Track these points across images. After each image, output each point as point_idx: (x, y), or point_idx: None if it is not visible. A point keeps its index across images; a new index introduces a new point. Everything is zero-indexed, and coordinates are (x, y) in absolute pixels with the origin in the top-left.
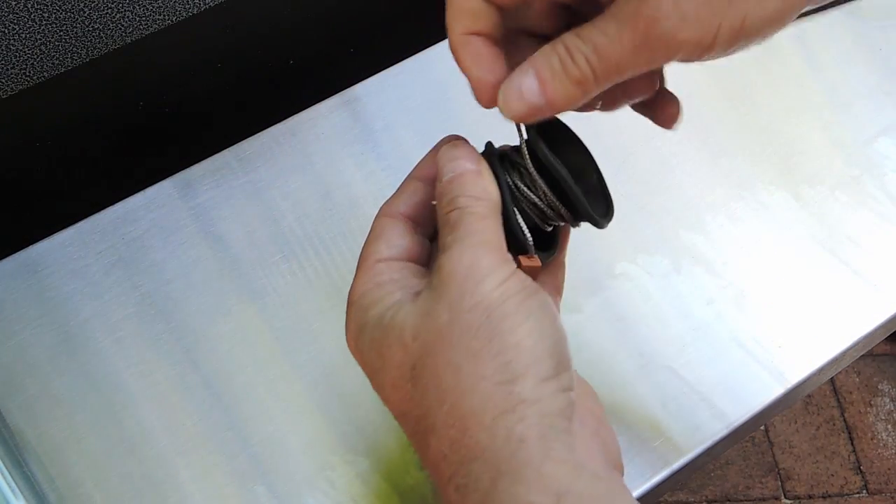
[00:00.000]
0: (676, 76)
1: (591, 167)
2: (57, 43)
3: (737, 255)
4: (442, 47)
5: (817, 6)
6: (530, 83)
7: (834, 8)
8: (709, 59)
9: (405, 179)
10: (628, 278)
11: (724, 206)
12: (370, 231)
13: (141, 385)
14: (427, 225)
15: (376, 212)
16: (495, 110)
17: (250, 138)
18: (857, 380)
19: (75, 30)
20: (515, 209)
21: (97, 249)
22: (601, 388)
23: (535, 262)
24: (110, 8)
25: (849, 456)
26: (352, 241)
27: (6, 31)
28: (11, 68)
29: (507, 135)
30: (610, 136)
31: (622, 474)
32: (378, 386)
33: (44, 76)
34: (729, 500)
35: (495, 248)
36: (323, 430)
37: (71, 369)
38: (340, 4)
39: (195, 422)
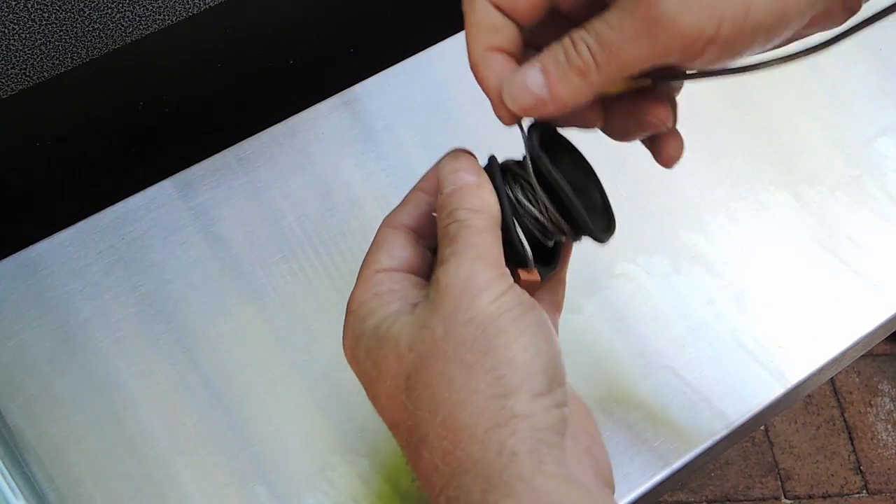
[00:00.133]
0: None
1: (593, 183)
2: (57, 43)
3: (737, 255)
4: (442, 47)
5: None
6: (535, 75)
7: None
8: (710, 59)
9: (410, 191)
10: (628, 278)
11: (724, 206)
12: (373, 240)
13: (141, 385)
14: (430, 237)
15: (376, 212)
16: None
17: (250, 138)
18: (857, 380)
19: (75, 30)
20: (516, 222)
21: (97, 249)
22: (601, 388)
23: (535, 276)
24: (110, 8)
25: (849, 456)
26: (352, 241)
27: (6, 31)
28: (11, 68)
29: (508, 137)
30: None
31: (613, 492)
32: (373, 395)
33: (44, 76)
34: (729, 500)
35: (493, 263)
36: (323, 430)
37: (71, 369)
38: (340, 4)
39: (195, 422)
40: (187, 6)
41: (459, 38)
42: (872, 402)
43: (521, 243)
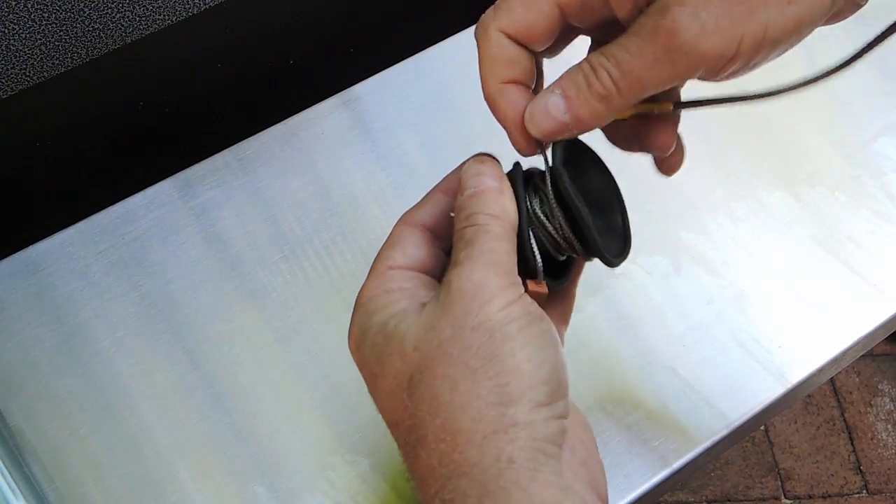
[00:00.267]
0: None
1: (616, 204)
2: (57, 43)
3: (737, 255)
4: (442, 47)
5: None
6: (556, 101)
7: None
8: (730, 74)
9: (430, 190)
10: (628, 278)
11: (724, 206)
12: (388, 236)
13: (141, 385)
14: (445, 238)
15: (376, 212)
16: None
17: (250, 138)
18: (857, 380)
19: (75, 30)
20: (531, 234)
21: (97, 249)
22: (601, 388)
23: (543, 288)
24: (110, 8)
25: (849, 456)
26: (352, 241)
27: (6, 31)
28: (11, 68)
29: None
30: None
31: None
32: (374, 391)
33: (44, 76)
34: (729, 500)
35: (505, 271)
36: (323, 430)
37: (71, 369)
38: (340, 4)
39: (195, 422)
40: (187, 6)
41: (459, 38)
42: (872, 402)
43: (534, 255)
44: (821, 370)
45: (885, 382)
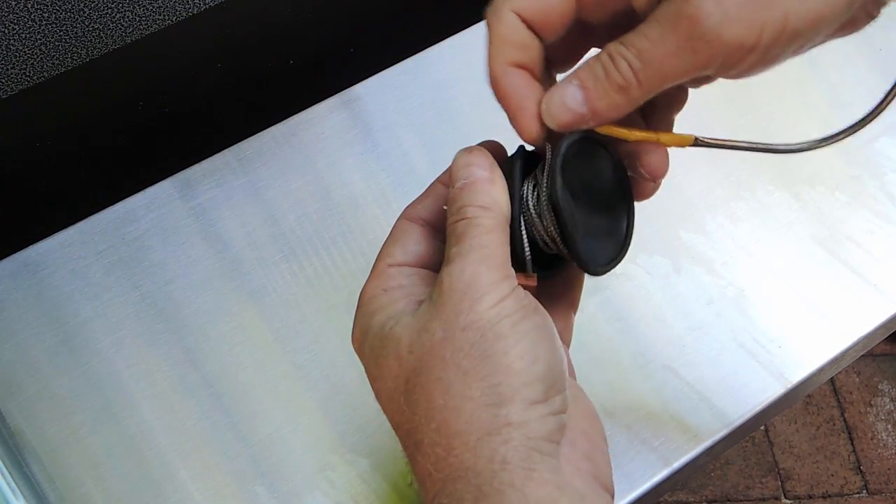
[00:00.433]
0: None
1: (622, 204)
2: (57, 43)
3: (737, 255)
4: (442, 47)
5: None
6: (573, 91)
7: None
8: (747, 67)
9: (431, 183)
10: (628, 278)
11: (724, 206)
12: (390, 232)
13: (141, 385)
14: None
15: (376, 212)
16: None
17: (250, 138)
18: (857, 380)
19: (75, 30)
20: (523, 225)
21: (97, 249)
22: (601, 388)
23: (531, 281)
24: (110, 8)
25: (849, 456)
26: (352, 241)
27: (6, 31)
28: (11, 68)
29: (508, 138)
30: None
31: (612, 496)
32: (376, 393)
33: (44, 76)
34: (729, 500)
35: (497, 264)
36: (323, 430)
37: (71, 369)
38: (340, 4)
39: (195, 422)
40: (187, 6)
41: (459, 37)
42: (872, 402)
43: (523, 249)
44: (821, 370)
45: (885, 382)
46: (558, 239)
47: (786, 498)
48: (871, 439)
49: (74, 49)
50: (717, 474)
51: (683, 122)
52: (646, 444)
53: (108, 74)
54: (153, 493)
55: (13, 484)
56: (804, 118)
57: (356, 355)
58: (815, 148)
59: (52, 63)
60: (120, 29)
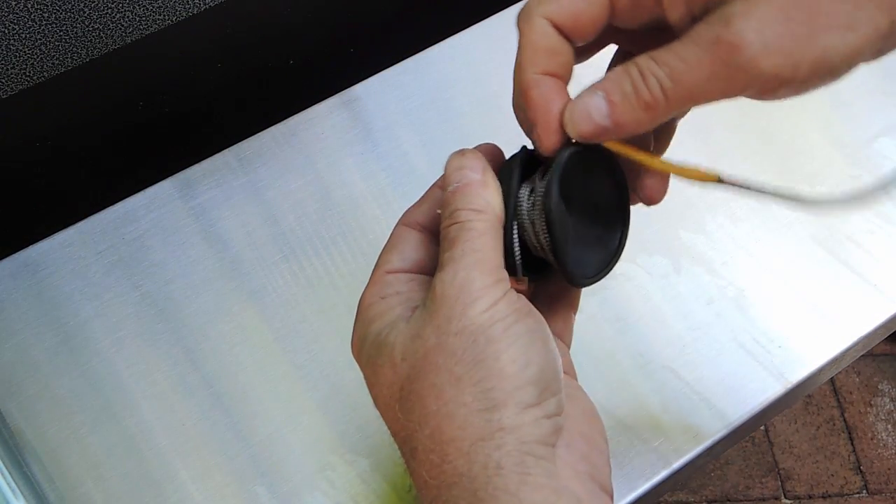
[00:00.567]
0: None
1: (618, 215)
2: (57, 43)
3: (737, 255)
4: (442, 47)
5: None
6: (599, 104)
7: None
8: (778, 96)
9: (430, 187)
10: (628, 278)
11: (724, 206)
12: (388, 238)
13: (141, 385)
14: None
15: (376, 212)
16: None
17: (250, 138)
18: (857, 380)
19: (75, 30)
20: (515, 229)
21: (97, 249)
22: (601, 388)
23: (522, 285)
24: (110, 8)
25: (849, 456)
26: (352, 241)
27: (6, 31)
28: (11, 68)
29: (508, 138)
30: None
31: (611, 498)
32: (374, 399)
33: (44, 76)
34: (729, 500)
35: (489, 268)
36: (323, 430)
37: (71, 369)
38: (340, 4)
39: (195, 422)
40: (187, 6)
41: (459, 37)
42: (872, 402)
43: (514, 252)
44: (821, 370)
45: (885, 382)
46: (547, 248)
47: (786, 498)
48: (871, 439)
49: (74, 49)
50: (717, 474)
51: (684, 122)
52: (646, 444)
53: (108, 74)
54: (153, 493)
55: (13, 484)
56: (805, 117)
57: None
58: (843, 204)
59: (52, 63)
60: (120, 29)
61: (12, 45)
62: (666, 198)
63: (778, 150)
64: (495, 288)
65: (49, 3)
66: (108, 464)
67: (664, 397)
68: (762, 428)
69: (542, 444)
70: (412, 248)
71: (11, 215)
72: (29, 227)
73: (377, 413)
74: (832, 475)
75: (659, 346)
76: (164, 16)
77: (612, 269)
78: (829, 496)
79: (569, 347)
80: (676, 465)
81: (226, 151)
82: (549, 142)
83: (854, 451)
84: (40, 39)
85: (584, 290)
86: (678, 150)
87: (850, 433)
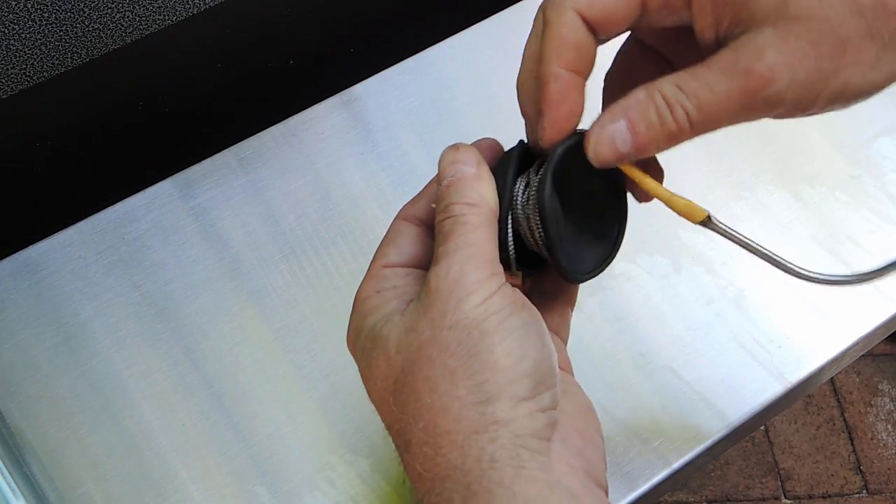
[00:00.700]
0: None
1: (615, 212)
2: (57, 43)
3: (737, 255)
4: (442, 47)
5: None
6: (623, 134)
7: None
8: (791, 118)
9: (427, 183)
10: (628, 278)
11: (724, 206)
12: (387, 232)
13: (141, 385)
14: None
15: (376, 212)
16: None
17: (250, 138)
18: (857, 380)
19: (75, 30)
20: (510, 222)
21: (97, 249)
22: (601, 388)
23: (517, 279)
24: (110, 8)
25: (849, 456)
26: (352, 241)
27: (6, 31)
28: (11, 68)
29: (508, 138)
30: None
31: (606, 493)
32: (369, 393)
33: (44, 76)
34: (729, 500)
35: (484, 262)
36: (323, 430)
37: (71, 369)
38: (340, 4)
39: (195, 422)
40: (187, 6)
41: (459, 37)
42: (872, 402)
43: (508, 247)
44: (821, 370)
45: (885, 382)
46: (541, 243)
47: (786, 498)
48: (871, 439)
49: (74, 49)
50: (717, 474)
51: None
52: (646, 444)
53: (108, 74)
54: (153, 493)
55: (13, 484)
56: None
57: None
58: (835, 283)
59: (52, 63)
60: (120, 29)
61: (12, 45)
62: None
63: (778, 150)
64: (490, 281)
65: (49, 3)
66: (108, 464)
67: (664, 397)
68: (762, 428)
69: (537, 438)
70: (409, 243)
71: (11, 215)
72: (29, 227)
73: (377, 413)
74: (832, 475)
75: (659, 346)
76: (164, 16)
77: (609, 265)
78: (829, 496)
79: (566, 343)
80: (676, 465)
81: (226, 151)
82: (553, 136)
83: (854, 451)
84: (40, 39)
85: (584, 290)
86: (678, 149)
87: (850, 433)
